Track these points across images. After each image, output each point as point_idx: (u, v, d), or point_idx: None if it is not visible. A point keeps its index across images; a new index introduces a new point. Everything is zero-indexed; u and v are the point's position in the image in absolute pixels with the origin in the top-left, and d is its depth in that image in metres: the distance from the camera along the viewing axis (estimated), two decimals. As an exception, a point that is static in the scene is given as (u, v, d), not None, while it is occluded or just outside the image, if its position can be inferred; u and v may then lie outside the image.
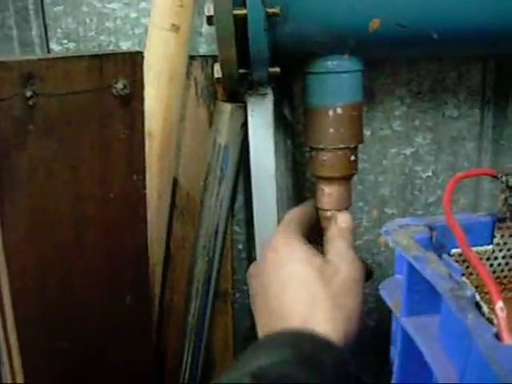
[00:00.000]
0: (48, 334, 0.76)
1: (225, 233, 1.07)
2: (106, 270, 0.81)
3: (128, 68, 0.76)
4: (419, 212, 1.18)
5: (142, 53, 0.78)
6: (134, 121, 0.78)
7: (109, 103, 0.75)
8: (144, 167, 0.81)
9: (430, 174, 1.16)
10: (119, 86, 0.74)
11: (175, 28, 0.91)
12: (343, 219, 0.91)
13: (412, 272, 0.64)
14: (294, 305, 0.78)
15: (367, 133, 1.11)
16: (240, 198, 1.15)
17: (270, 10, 0.77)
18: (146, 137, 0.87)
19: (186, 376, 1.11)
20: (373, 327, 1.27)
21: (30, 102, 0.66)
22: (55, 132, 0.70)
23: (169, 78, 0.93)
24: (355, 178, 1.08)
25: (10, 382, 0.76)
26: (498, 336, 0.48)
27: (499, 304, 0.49)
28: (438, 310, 0.61)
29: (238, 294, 1.22)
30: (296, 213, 0.92)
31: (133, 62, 0.76)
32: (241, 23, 0.78)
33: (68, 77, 0.70)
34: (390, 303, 0.72)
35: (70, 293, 0.77)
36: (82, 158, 0.74)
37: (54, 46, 1.07)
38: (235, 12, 0.77)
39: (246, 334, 1.24)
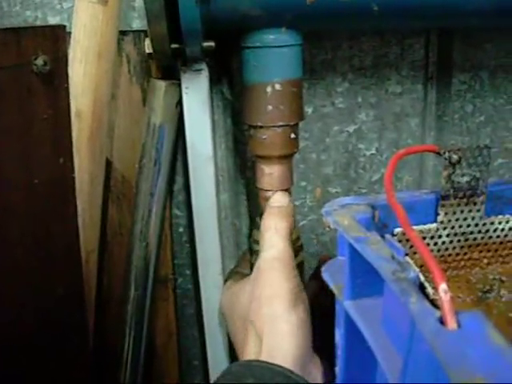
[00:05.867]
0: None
1: (162, 216, 1.03)
2: (34, 261, 0.76)
3: (49, 43, 0.71)
4: (364, 190, 1.16)
5: (64, 26, 0.73)
6: (58, 100, 0.73)
7: (29, 81, 0.70)
8: (71, 150, 0.77)
9: (374, 151, 1.14)
10: (39, 62, 0.69)
11: (103, 1, 0.86)
12: (275, 198, 0.89)
13: (354, 254, 0.61)
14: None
15: (309, 110, 1.09)
16: (179, 179, 1.11)
17: (201, -20, 0.72)
18: (74, 117, 0.82)
19: (128, 367, 1.07)
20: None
21: None
22: (-32, 113, 0.64)
23: (98, 55, 0.88)
24: (297, 156, 1.06)
25: None
26: (441, 320, 0.45)
27: (442, 286, 0.46)
28: (382, 292, 0.59)
29: (180, 279, 1.18)
30: None
31: (54, 36, 0.71)
32: (170, -6, 0.73)
33: (-19, 53, 0.64)
34: (332, 286, 0.69)
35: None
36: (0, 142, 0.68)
37: (-24, 23, 1.00)
38: (164, -18, 0.72)
39: (189, 320, 1.21)
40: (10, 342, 0.76)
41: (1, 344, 0.75)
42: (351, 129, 1.12)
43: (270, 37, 0.83)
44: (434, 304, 0.48)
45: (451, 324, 0.45)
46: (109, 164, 1.01)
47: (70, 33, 0.87)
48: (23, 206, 0.74)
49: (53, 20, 1.00)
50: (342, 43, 1.07)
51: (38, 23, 1.01)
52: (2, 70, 0.66)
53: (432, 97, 1.13)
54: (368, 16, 0.83)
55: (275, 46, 0.83)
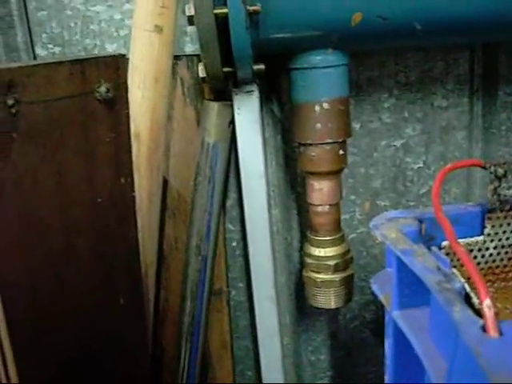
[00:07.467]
0: (40, 339, 0.76)
1: (217, 231, 1.07)
2: (98, 274, 0.81)
3: (111, 71, 0.75)
4: (412, 203, 1.18)
5: (124, 56, 0.78)
6: (119, 124, 0.78)
7: (93, 107, 0.74)
8: (131, 170, 0.81)
9: (421, 164, 1.16)
10: (102, 89, 0.74)
11: (159, 29, 0.91)
12: None
13: (401, 266, 0.63)
14: None
15: (356, 126, 1.11)
16: (233, 195, 1.15)
17: (251, 8, 0.76)
18: (134, 139, 0.87)
19: (184, 375, 1.11)
20: (371, 319, 1.27)
21: (13, 110, 0.66)
22: (39, 139, 0.69)
23: (155, 80, 0.93)
24: (346, 171, 1.09)
25: (3, 382, 0.76)
26: (484, 329, 0.47)
27: (487, 302, 0.48)
28: (428, 302, 0.61)
29: (233, 292, 1.21)
30: None
31: (115, 65, 0.76)
32: (222, 22, 0.78)
33: (50, 83, 0.69)
34: (381, 297, 0.71)
35: (61, 297, 0.77)
36: (67, 164, 0.73)
37: (40, 51, 1.07)
38: (216, 11, 0.77)
39: (243, 332, 1.24)
40: (73, 348, 0.81)
41: (67, 348, 0.80)
42: (398, 143, 1.14)
43: (317, 58, 0.87)
44: (479, 314, 0.50)
45: (493, 332, 0.47)
46: (165, 182, 1.06)
47: (127, 59, 0.93)
48: (88, 223, 0.79)
49: (110, 47, 1.06)
50: (387, 60, 1.10)
51: (97, 50, 1.06)
52: (69, 98, 0.71)
53: (478, 109, 1.14)
54: (411, 35, 0.86)
55: (322, 67, 0.87)
